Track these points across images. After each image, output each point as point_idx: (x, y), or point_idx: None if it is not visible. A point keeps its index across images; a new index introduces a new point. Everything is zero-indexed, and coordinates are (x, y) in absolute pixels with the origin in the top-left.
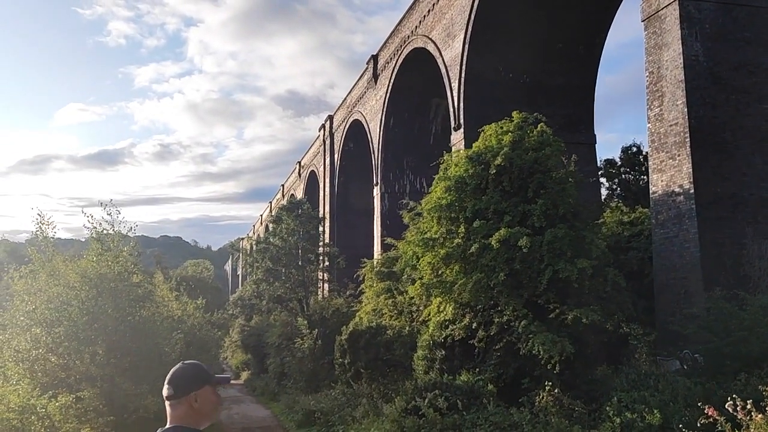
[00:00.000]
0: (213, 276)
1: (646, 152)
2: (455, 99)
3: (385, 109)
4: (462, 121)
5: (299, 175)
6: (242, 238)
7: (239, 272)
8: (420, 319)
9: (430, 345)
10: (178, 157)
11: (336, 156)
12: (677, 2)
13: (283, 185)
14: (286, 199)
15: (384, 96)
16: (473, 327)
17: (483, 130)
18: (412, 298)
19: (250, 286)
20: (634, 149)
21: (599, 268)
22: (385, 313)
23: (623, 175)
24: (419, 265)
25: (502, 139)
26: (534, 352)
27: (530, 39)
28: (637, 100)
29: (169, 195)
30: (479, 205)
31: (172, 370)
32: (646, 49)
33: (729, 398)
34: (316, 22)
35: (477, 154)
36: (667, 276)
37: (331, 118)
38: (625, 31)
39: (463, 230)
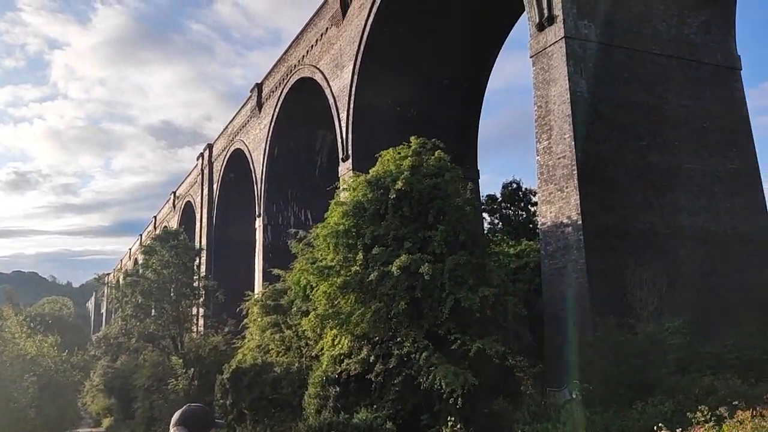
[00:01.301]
0: (73, 314)
1: (526, 188)
2: (343, 130)
3: (269, 139)
4: (350, 152)
5: (174, 206)
6: (108, 273)
7: (103, 310)
8: (311, 354)
9: (323, 381)
10: (35, 187)
11: (215, 186)
12: (564, 40)
13: (155, 217)
14: (159, 230)
15: (268, 125)
16: (371, 360)
17: (380, 155)
18: (304, 331)
19: (117, 323)
20: (514, 185)
21: (499, 297)
22: (272, 349)
23: (504, 210)
24: (313, 295)
25: (401, 164)
26: (436, 385)
27: (418, 73)
28: (505, 144)
29: (24, 227)
30: (378, 231)
31: (182, 412)
32: (534, 84)
33: (655, 427)
34: (194, 54)
35: (376, 179)
36: (556, 306)
37: (210, 146)
38: (494, 79)
39: (362, 257)
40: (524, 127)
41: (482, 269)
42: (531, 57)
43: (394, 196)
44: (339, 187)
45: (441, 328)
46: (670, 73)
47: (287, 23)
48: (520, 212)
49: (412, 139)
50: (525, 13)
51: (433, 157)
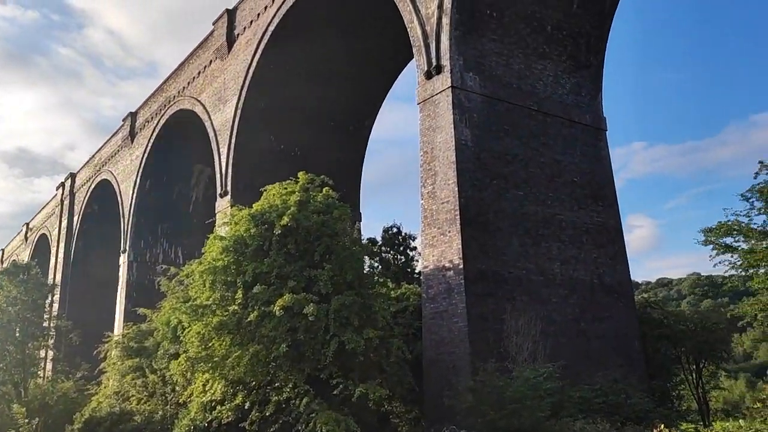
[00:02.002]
0: None
1: (406, 233)
2: (223, 165)
3: (141, 171)
4: (229, 188)
5: (26, 238)
6: None
7: None
8: (178, 401)
9: (191, 431)
10: None
11: (76, 218)
12: (450, 90)
13: (2, 249)
14: (6, 264)
15: (141, 156)
16: (246, 407)
17: (266, 189)
18: (171, 376)
19: None
20: (395, 230)
21: (384, 339)
22: (133, 396)
23: (383, 255)
24: (184, 336)
25: (288, 200)
26: None
27: (304, 113)
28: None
29: None
30: (261, 268)
31: None
32: (420, 130)
33: None
34: (60, 79)
35: (260, 213)
36: (436, 350)
37: (73, 176)
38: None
39: (241, 296)
40: (402, 174)
41: (368, 310)
42: (418, 103)
43: (280, 231)
44: (217, 223)
45: (323, 373)
46: (546, 129)
47: (165, 56)
48: (399, 256)
49: (300, 174)
50: (414, 61)
51: (320, 194)
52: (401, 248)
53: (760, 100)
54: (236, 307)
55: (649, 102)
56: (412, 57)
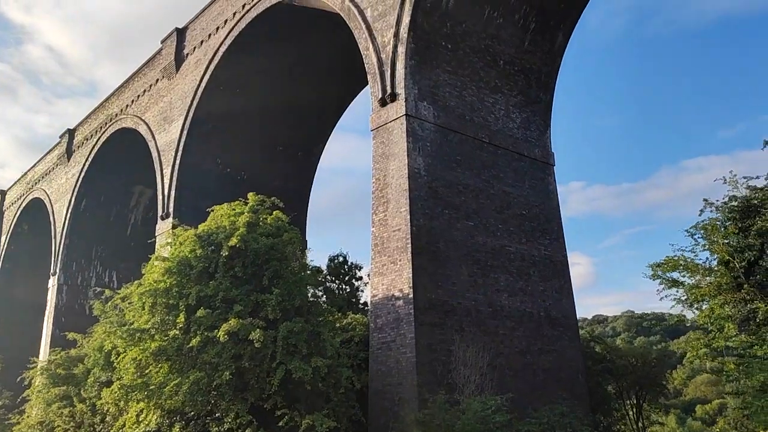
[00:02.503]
0: None
1: (352, 263)
2: (166, 186)
3: (76, 190)
4: (171, 209)
5: None
6: None
7: None
8: None
9: None
10: None
11: (4, 238)
12: (405, 118)
13: None
14: None
15: (78, 175)
16: None
17: (213, 210)
18: (102, 405)
19: None
20: (341, 258)
21: (333, 368)
22: (59, 426)
23: (328, 284)
24: (119, 363)
25: (236, 221)
26: None
27: (253, 136)
28: (321, 223)
29: None
30: (206, 291)
31: None
32: (373, 157)
33: None
34: None
35: (207, 234)
36: (383, 381)
37: (3, 193)
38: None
39: (183, 320)
40: (348, 205)
41: (317, 338)
42: (372, 130)
43: (227, 253)
44: (157, 246)
45: (267, 402)
46: (496, 161)
47: (106, 76)
48: (344, 286)
49: (250, 195)
50: (364, 90)
51: (270, 217)
52: (346, 278)
53: (690, 146)
54: (177, 332)
55: (587, 143)
56: (363, 86)
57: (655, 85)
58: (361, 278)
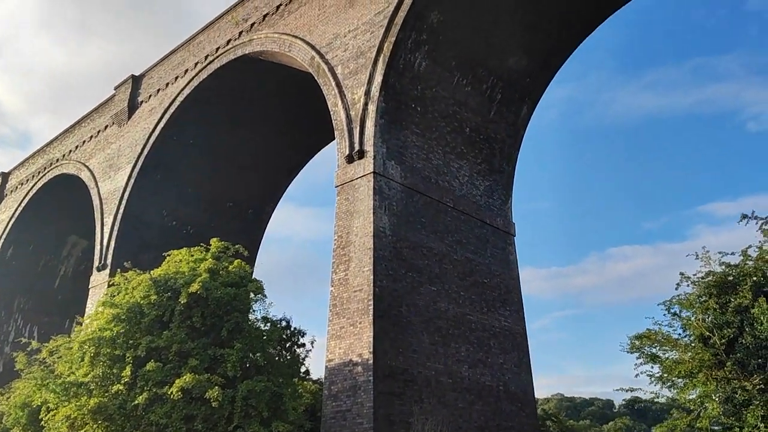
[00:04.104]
0: None
1: (295, 328)
2: (105, 236)
3: (4, 237)
4: (109, 261)
5: None
6: None
7: None
8: None
9: None
10: None
11: None
12: (372, 175)
13: None
14: None
15: (7, 221)
16: None
17: (170, 254)
18: None
19: None
20: (284, 323)
21: None
22: None
23: (271, 349)
24: (48, 422)
25: (197, 267)
26: None
27: (203, 190)
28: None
29: None
30: (158, 342)
31: None
32: (337, 213)
33: None
34: None
35: (165, 279)
36: None
37: None
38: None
39: (129, 374)
40: (285, 274)
41: (279, 401)
42: (336, 186)
43: (185, 301)
44: (105, 290)
45: None
46: (460, 226)
47: (41, 127)
48: (284, 353)
49: (213, 241)
50: (315, 156)
51: (232, 265)
52: (287, 344)
53: (617, 234)
54: (121, 387)
55: (520, 225)
56: (323, 145)
57: (585, 174)
58: (303, 345)
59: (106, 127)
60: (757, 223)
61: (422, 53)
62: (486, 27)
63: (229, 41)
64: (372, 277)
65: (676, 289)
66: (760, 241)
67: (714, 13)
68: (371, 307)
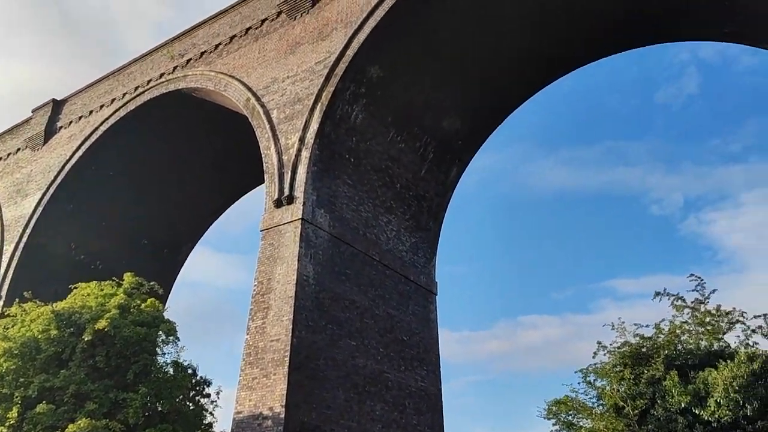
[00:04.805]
0: None
1: (202, 377)
2: (4, 264)
3: None
4: (4, 293)
5: None
6: None
7: None
8: None
9: None
10: None
11: None
12: (300, 221)
13: None
14: None
15: None
16: None
17: (76, 287)
18: None
19: None
20: (190, 371)
21: None
22: None
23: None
24: None
25: (107, 302)
26: None
27: (117, 224)
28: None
29: None
30: (53, 382)
31: None
32: (259, 259)
33: None
34: None
35: (69, 313)
36: None
37: None
38: None
39: (16, 415)
40: (200, 320)
41: None
42: (262, 231)
43: (90, 338)
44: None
45: None
46: (384, 281)
47: None
48: (188, 402)
49: (127, 275)
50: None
51: (145, 304)
52: (191, 393)
53: (527, 303)
54: (4, 430)
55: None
56: (249, 189)
57: (500, 242)
58: (209, 395)
59: (18, 150)
60: (669, 300)
61: (360, 106)
62: (424, 87)
63: (162, 74)
64: (291, 326)
65: (593, 357)
66: (673, 316)
67: (627, 102)
68: (287, 359)
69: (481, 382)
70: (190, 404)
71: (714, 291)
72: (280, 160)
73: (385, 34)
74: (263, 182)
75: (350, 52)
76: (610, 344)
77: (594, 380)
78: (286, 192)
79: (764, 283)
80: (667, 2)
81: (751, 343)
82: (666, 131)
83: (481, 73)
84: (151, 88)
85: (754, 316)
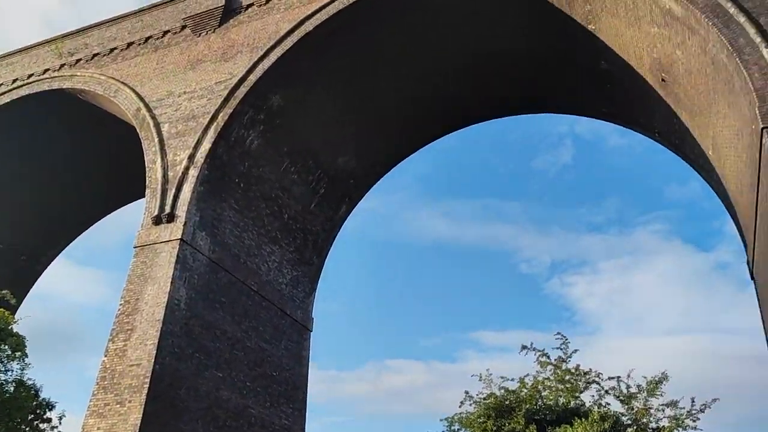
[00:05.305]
0: None
1: (44, 399)
2: None
3: None
4: None
5: None
6: None
7: None
8: None
9: None
10: None
11: None
12: (178, 242)
13: None
14: None
15: None
16: None
17: None
18: None
19: None
20: (33, 391)
21: None
22: None
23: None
24: None
25: None
26: None
27: None
28: None
29: None
30: None
31: None
32: (129, 277)
33: None
34: None
35: None
36: None
37: None
38: None
39: None
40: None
41: None
42: (135, 247)
43: None
44: None
45: None
46: (259, 313)
47: None
48: (24, 427)
49: None
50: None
51: None
52: (30, 416)
53: (395, 347)
54: None
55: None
56: (127, 202)
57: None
58: (49, 420)
59: None
60: (535, 354)
61: (257, 132)
62: (324, 123)
63: (46, 71)
64: (155, 352)
65: (460, 406)
66: (537, 371)
67: (506, 164)
68: (147, 386)
69: (344, 424)
70: (27, 428)
71: (576, 351)
72: (165, 175)
73: (291, 65)
74: (144, 197)
75: (253, 77)
76: (477, 394)
77: (458, 429)
78: (168, 210)
79: (614, 347)
80: (559, 81)
81: (603, 403)
82: (540, 195)
83: (379, 118)
84: (32, 83)
85: (609, 378)
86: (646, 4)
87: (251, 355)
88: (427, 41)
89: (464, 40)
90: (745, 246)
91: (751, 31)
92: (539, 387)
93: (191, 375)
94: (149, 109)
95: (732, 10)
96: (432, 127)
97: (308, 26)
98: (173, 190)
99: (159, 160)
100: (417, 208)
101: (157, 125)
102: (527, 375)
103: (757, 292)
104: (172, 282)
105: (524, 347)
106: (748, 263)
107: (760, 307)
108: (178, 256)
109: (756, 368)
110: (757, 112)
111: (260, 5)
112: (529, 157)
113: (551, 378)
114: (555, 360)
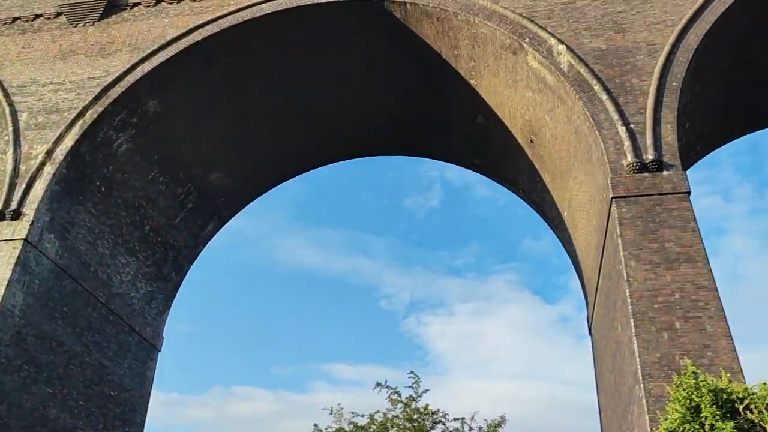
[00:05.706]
0: None
1: None
2: None
3: None
4: None
5: None
6: None
7: None
8: None
9: None
10: None
11: None
12: (22, 242)
13: None
14: None
15: None
16: None
17: None
18: None
19: None
20: None
21: None
22: None
23: None
24: None
25: None
26: None
27: None
28: None
29: None
30: None
31: None
32: None
33: None
34: None
35: None
36: None
37: None
38: None
39: None
40: None
41: None
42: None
43: None
44: None
45: None
46: (105, 327)
47: None
48: None
49: None
50: None
51: None
52: None
53: (244, 374)
54: None
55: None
56: None
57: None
58: None
59: None
60: (387, 392)
61: (128, 135)
62: (201, 136)
63: None
64: None
65: None
66: (387, 409)
67: (378, 201)
68: None
69: None
70: None
71: (427, 390)
72: (16, 168)
73: (173, 72)
74: None
75: (131, 78)
76: (326, 428)
77: None
78: (14, 206)
79: (461, 389)
80: (437, 129)
81: None
82: (407, 235)
83: (259, 140)
84: None
85: (454, 419)
86: (524, 70)
87: (89, 372)
88: (310, 80)
89: (345, 85)
90: (587, 303)
91: (611, 108)
92: (388, 425)
93: (16, 389)
94: (7, 95)
95: (597, 87)
96: (310, 157)
97: (197, 36)
98: (24, 185)
99: (11, 151)
100: (287, 233)
101: (14, 113)
102: (377, 411)
103: (593, 348)
104: (7, 285)
105: (378, 384)
106: (587, 319)
107: (594, 362)
108: (19, 257)
109: (586, 418)
110: (609, 182)
111: (148, 6)
112: (400, 196)
113: (400, 416)
114: (406, 398)
